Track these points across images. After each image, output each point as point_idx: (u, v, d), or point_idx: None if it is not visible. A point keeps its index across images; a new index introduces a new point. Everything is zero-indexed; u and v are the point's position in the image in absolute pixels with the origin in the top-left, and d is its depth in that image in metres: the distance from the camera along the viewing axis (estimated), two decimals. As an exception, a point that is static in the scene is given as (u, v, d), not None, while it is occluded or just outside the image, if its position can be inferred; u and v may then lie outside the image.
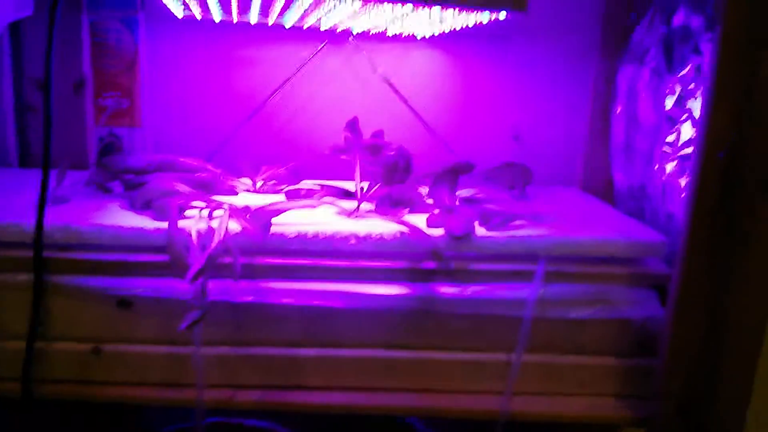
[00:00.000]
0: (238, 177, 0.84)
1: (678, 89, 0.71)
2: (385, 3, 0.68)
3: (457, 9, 0.67)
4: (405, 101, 0.95)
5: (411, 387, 0.69)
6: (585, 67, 0.93)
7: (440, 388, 0.69)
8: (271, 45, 0.95)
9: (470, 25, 0.75)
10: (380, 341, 0.68)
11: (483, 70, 0.96)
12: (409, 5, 0.66)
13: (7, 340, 0.67)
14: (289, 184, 0.86)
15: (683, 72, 0.70)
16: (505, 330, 0.67)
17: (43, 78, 0.92)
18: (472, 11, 0.67)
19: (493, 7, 0.65)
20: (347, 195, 0.81)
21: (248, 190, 0.83)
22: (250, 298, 0.66)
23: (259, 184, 0.84)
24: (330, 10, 0.76)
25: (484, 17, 0.70)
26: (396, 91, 0.95)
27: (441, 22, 0.79)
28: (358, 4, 0.70)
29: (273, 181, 0.85)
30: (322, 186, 0.82)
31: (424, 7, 0.66)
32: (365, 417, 0.72)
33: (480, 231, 0.68)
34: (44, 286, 0.65)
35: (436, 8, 0.66)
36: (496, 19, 0.70)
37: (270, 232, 0.65)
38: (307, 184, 0.84)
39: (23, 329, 0.66)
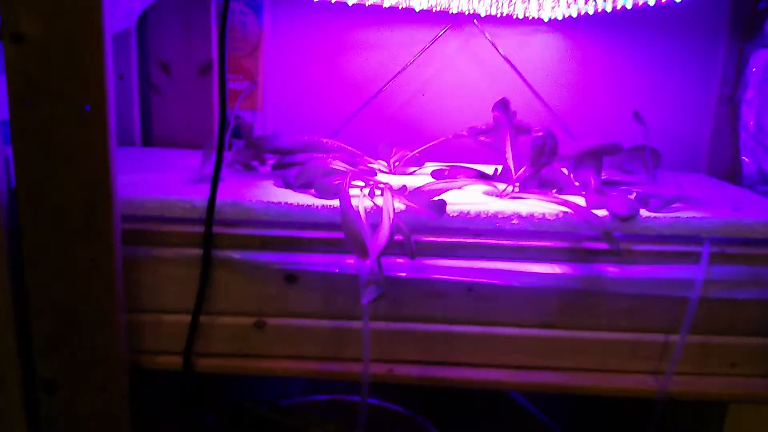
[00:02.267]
0: (374, 158, 0.85)
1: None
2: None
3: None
4: (525, 81, 0.95)
5: (567, 366, 0.70)
6: (712, 53, 0.93)
7: (596, 367, 0.70)
8: (392, 27, 0.95)
9: (606, 9, 0.76)
10: (540, 320, 0.69)
11: (606, 55, 0.96)
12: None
13: (172, 314, 0.68)
14: (419, 166, 0.87)
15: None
16: (665, 311, 0.68)
17: (168, 60, 0.95)
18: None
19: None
20: (484, 177, 0.81)
21: (383, 171, 0.84)
22: (412, 274, 0.67)
23: (393, 164, 0.85)
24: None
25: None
26: (516, 71, 0.95)
27: (569, 5, 0.80)
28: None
29: (398, 163, 0.86)
30: (458, 167, 0.83)
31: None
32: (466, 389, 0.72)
33: (643, 212, 0.68)
34: (212, 261, 0.67)
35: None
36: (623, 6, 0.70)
37: (445, 213, 0.65)
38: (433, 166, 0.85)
39: (189, 303, 0.67)
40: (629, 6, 0.73)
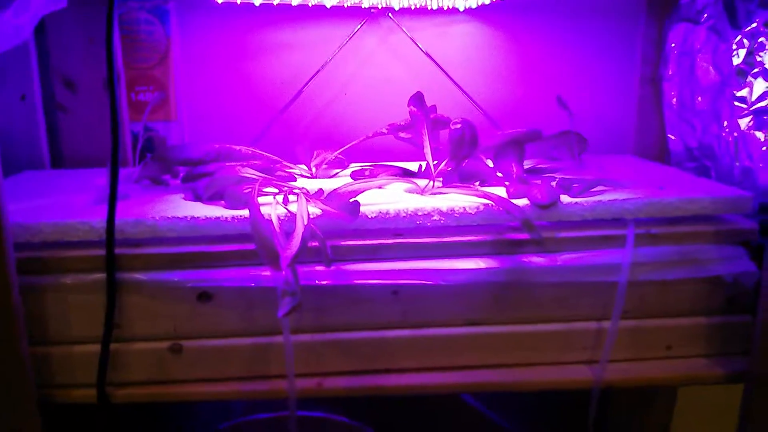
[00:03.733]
0: (294, 163, 0.81)
1: (747, 44, 0.70)
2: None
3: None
4: (447, 74, 0.93)
5: (503, 362, 0.67)
6: (631, 32, 0.92)
7: (531, 361, 0.68)
8: (306, 27, 0.92)
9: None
10: (469, 317, 0.66)
11: (525, 41, 0.94)
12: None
13: (81, 344, 0.64)
14: (342, 168, 0.84)
15: (750, 27, 0.69)
16: (595, 297, 0.66)
17: (72, 76, 0.90)
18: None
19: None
20: (407, 174, 0.79)
21: (304, 176, 0.81)
22: (333, 281, 0.64)
23: (314, 169, 0.82)
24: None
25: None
26: (437, 64, 0.93)
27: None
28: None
29: (324, 166, 0.83)
30: (382, 166, 0.80)
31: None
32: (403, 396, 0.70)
33: (564, 198, 0.66)
34: (118, 285, 0.62)
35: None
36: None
37: (359, 214, 0.62)
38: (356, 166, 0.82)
39: (98, 331, 0.63)
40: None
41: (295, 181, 0.78)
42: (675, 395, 0.80)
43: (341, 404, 0.97)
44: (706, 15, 0.77)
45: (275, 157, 0.79)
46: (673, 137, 0.86)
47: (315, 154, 0.83)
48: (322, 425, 0.93)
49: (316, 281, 0.64)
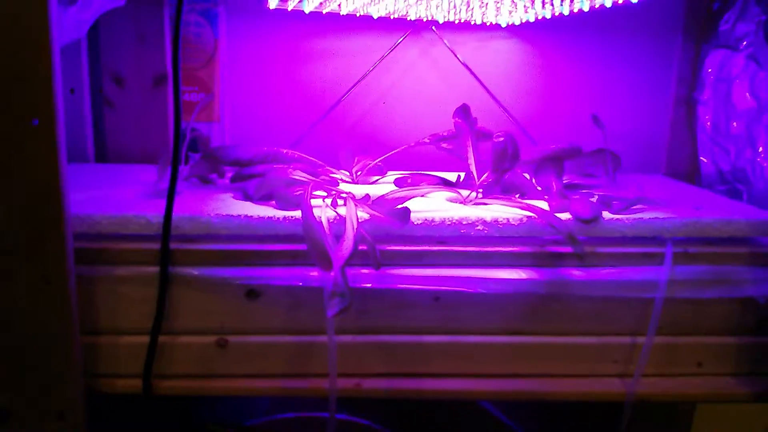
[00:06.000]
0: (336, 168, 0.83)
1: (786, 72, 0.72)
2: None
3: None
4: (485, 87, 0.95)
5: (535, 372, 0.69)
6: (667, 54, 0.94)
7: (564, 373, 0.69)
8: (351, 36, 0.95)
9: (564, 13, 0.76)
10: (507, 327, 0.68)
11: (563, 58, 0.96)
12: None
13: (130, 335, 0.66)
14: (381, 175, 0.86)
15: (790, 56, 0.71)
16: (631, 313, 0.68)
17: (121, 72, 0.92)
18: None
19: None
20: (447, 184, 0.81)
21: (345, 181, 0.83)
22: (377, 285, 0.66)
23: (355, 174, 0.84)
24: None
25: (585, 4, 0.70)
26: (476, 77, 0.95)
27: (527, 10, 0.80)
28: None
29: (359, 172, 0.85)
30: (421, 174, 0.82)
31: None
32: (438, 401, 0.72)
33: (606, 215, 0.68)
34: (170, 279, 0.64)
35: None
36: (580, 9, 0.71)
37: (409, 221, 0.64)
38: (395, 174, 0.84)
39: (147, 324, 0.65)
40: (586, 8, 0.73)
41: (338, 185, 0.80)
42: (693, 412, 0.81)
43: (362, 406, 0.98)
44: (745, 43, 0.79)
45: (319, 162, 0.81)
46: (705, 160, 0.88)
47: (356, 160, 0.85)
48: (347, 428, 0.94)
49: (362, 284, 0.66)
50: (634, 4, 0.70)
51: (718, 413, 0.79)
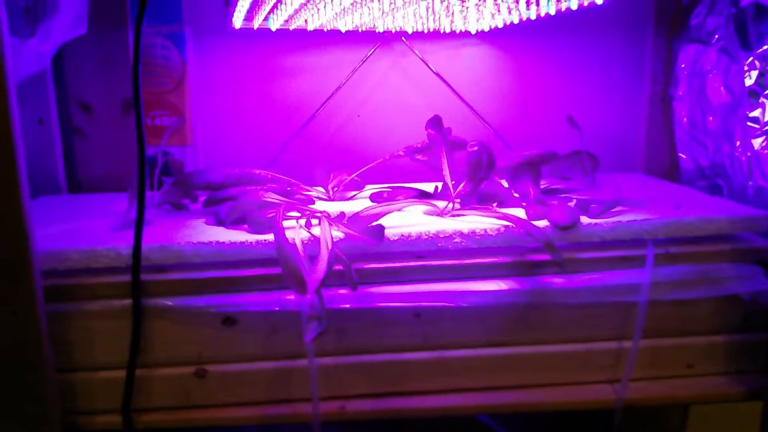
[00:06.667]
0: (311, 185, 0.82)
1: (758, 65, 0.71)
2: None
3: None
4: (458, 95, 0.94)
5: (522, 383, 0.68)
6: (639, 51, 0.93)
7: (552, 382, 0.68)
8: (320, 52, 0.93)
9: (531, 17, 0.75)
10: (491, 339, 0.67)
11: (536, 62, 0.96)
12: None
13: (107, 370, 0.64)
14: (358, 190, 0.85)
15: (762, 49, 0.71)
16: (615, 317, 0.67)
17: (88, 99, 0.91)
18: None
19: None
20: (425, 196, 0.79)
21: (321, 198, 0.82)
22: (355, 305, 0.65)
23: (331, 191, 0.82)
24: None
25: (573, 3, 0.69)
26: (448, 85, 0.94)
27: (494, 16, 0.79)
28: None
29: (335, 188, 0.84)
30: (398, 188, 0.81)
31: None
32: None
33: (584, 219, 0.67)
34: (144, 310, 0.63)
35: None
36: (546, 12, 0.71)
37: (384, 238, 0.63)
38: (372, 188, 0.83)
39: (123, 358, 0.63)
40: (552, 12, 0.73)
41: (314, 203, 0.78)
42: (687, 412, 0.80)
43: (354, 427, 0.97)
44: (716, 36, 0.78)
45: (293, 180, 0.79)
46: (684, 156, 0.87)
47: (331, 176, 0.84)
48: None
49: (340, 305, 0.64)
50: (601, 4, 0.69)
51: (712, 413, 0.78)
